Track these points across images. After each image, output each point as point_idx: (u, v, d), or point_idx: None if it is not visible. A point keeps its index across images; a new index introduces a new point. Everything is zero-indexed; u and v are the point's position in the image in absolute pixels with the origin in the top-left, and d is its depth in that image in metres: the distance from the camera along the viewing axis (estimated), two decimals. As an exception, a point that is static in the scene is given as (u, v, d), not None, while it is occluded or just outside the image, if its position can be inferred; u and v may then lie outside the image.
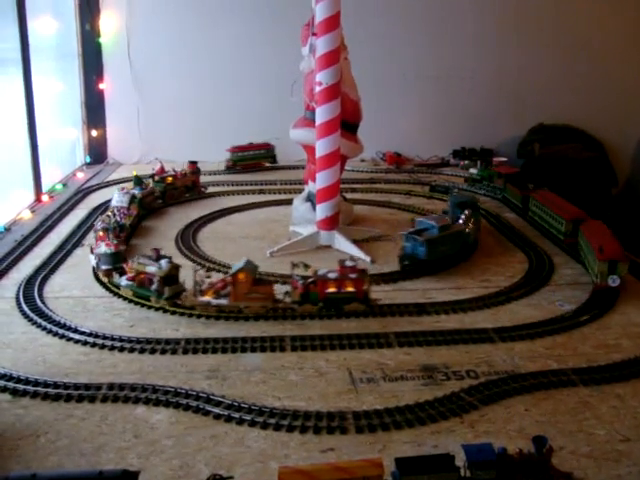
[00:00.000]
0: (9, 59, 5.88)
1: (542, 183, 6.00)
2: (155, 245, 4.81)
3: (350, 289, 3.78)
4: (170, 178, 6.16)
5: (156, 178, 6.10)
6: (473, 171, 6.75)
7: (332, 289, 3.77)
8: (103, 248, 4.18)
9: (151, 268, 3.83)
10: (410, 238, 4.38)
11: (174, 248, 4.84)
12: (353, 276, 3.78)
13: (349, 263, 3.82)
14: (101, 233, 4.51)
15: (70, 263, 4.55)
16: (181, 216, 5.63)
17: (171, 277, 3.83)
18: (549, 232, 5.08)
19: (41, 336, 3.47)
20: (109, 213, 5.08)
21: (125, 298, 3.92)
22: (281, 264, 4.50)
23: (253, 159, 7.49)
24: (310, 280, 3.78)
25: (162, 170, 6.25)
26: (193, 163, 6.36)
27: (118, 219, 4.94)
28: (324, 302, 3.76)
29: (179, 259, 4.62)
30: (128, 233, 5.00)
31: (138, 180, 5.90)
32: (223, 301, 3.75)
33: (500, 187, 6.29)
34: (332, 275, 3.80)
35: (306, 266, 3.85)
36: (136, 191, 5.68)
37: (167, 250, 4.74)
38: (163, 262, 3.83)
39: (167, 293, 3.77)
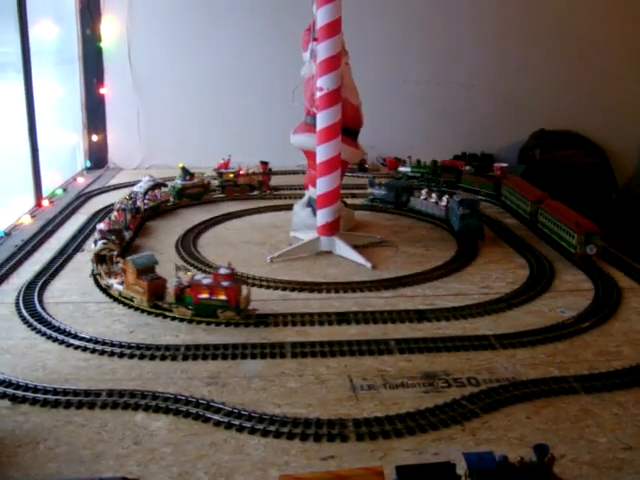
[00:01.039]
0: (10, 63, 5.88)
1: (543, 189, 5.99)
2: (153, 249, 4.83)
3: (222, 297, 3.71)
4: (231, 174, 6.36)
5: (216, 172, 6.40)
6: (404, 169, 6.97)
7: (205, 295, 3.72)
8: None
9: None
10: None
11: (174, 253, 4.83)
12: (225, 284, 3.71)
13: (223, 271, 3.74)
14: (116, 213, 4.95)
15: (70, 268, 4.54)
16: (182, 221, 5.62)
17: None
18: (517, 212, 5.81)
19: (41, 342, 3.46)
20: (126, 197, 5.48)
21: (125, 304, 3.91)
22: (282, 270, 4.51)
23: None
24: (186, 284, 3.76)
25: (226, 165, 6.46)
26: (265, 163, 6.51)
27: (138, 203, 5.45)
28: (196, 307, 3.73)
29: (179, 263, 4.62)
30: (143, 216, 5.53)
31: (185, 171, 6.24)
32: (120, 287, 3.94)
33: (452, 180, 6.61)
34: (206, 281, 3.75)
35: (187, 270, 3.93)
36: (178, 181, 6.16)
37: (167, 255, 4.77)
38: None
39: None
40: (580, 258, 4.55)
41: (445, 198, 5.57)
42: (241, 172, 6.43)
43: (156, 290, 3.85)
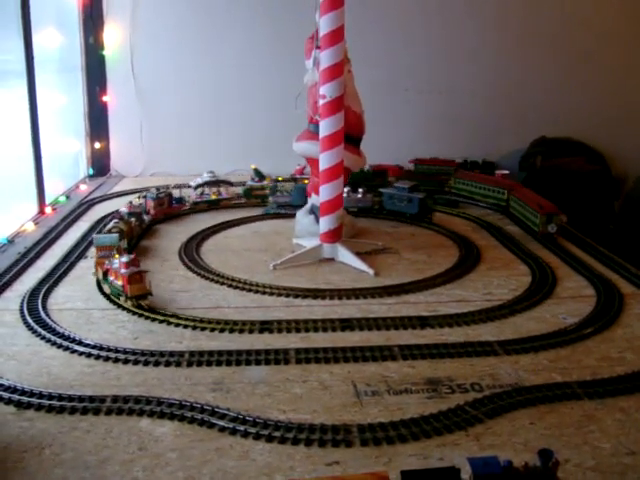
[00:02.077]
0: (13, 71, 5.90)
1: (544, 196, 6.02)
2: (157, 257, 4.86)
3: (120, 282, 4.00)
4: (306, 181, 6.40)
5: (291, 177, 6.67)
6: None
7: (113, 277, 4.07)
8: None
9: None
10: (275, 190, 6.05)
11: (177, 260, 4.84)
12: (123, 271, 3.95)
13: (124, 259, 3.98)
14: (152, 203, 5.68)
15: (74, 275, 4.55)
16: (184, 228, 5.63)
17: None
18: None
19: (45, 348, 3.46)
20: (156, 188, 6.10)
21: (129, 310, 3.92)
22: (285, 277, 4.52)
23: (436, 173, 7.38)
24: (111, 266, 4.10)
25: (301, 171, 6.71)
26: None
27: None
28: (111, 288, 4.12)
29: (182, 271, 4.64)
30: (193, 208, 6.18)
31: (258, 173, 6.58)
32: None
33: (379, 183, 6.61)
34: (115, 266, 4.06)
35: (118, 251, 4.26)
36: (250, 182, 6.51)
37: (170, 262, 4.79)
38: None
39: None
40: (543, 235, 5.29)
41: (362, 190, 6.13)
42: None
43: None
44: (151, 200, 5.82)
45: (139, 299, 3.98)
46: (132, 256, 4.01)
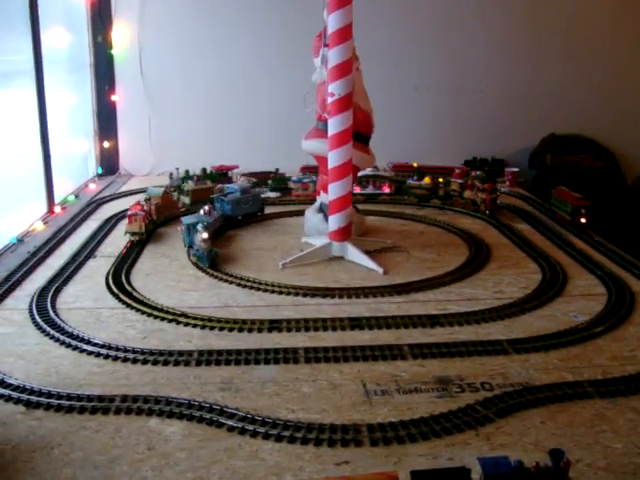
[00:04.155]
0: (22, 71, 5.91)
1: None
2: (165, 254, 4.86)
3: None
4: (456, 185, 6.31)
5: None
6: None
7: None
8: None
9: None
10: (219, 199, 5.68)
11: (187, 260, 4.84)
12: (129, 212, 5.18)
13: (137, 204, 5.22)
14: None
15: (83, 274, 4.55)
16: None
17: None
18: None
19: (54, 347, 3.46)
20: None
21: (138, 310, 3.92)
22: (294, 275, 4.51)
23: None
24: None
25: (460, 175, 6.45)
26: (491, 183, 6.19)
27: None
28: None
29: (192, 270, 4.63)
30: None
31: (418, 172, 6.59)
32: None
33: None
34: (130, 212, 5.19)
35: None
36: (410, 180, 6.51)
37: (180, 261, 4.78)
38: None
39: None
40: (571, 223, 5.61)
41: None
42: (469, 186, 6.20)
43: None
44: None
45: (133, 235, 5.11)
46: (142, 203, 5.26)
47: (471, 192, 6.13)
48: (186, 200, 6.05)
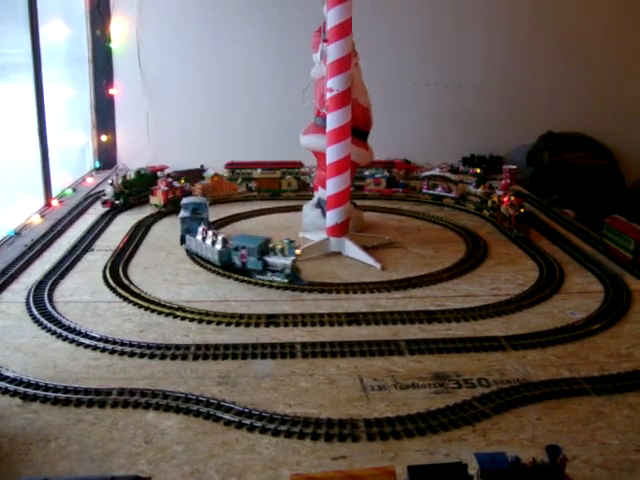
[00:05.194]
0: (21, 64, 5.90)
1: (552, 191, 5.99)
2: (165, 250, 4.86)
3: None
4: (496, 197, 5.73)
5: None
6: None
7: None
8: None
9: None
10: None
11: (184, 254, 4.84)
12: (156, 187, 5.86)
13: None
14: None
15: (80, 268, 4.55)
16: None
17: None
18: None
19: (51, 341, 3.46)
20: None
21: (135, 303, 3.92)
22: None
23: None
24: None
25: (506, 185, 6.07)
26: (519, 197, 5.52)
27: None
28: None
29: (189, 264, 4.63)
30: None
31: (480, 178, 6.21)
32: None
33: None
34: (176, 184, 5.97)
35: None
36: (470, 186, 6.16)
37: (177, 255, 4.78)
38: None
39: None
40: (633, 264, 4.56)
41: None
42: (505, 200, 5.49)
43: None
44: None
45: (156, 207, 5.86)
46: (170, 181, 5.96)
47: (505, 207, 5.45)
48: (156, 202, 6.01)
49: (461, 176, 6.60)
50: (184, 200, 5.08)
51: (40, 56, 6.04)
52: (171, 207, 5.81)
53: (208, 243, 4.55)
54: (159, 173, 6.50)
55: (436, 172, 6.50)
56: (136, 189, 6.22)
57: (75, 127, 7.53)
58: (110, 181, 6.17)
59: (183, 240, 4.91)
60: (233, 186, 6.70)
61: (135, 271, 4.50)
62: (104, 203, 5.99)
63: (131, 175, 6.35)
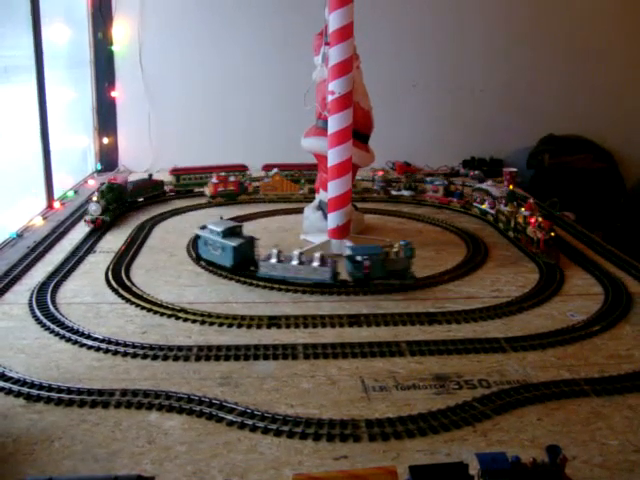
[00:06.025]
0: (23, 67, 5.92)
1: (552, 193, 6.00)
2: (167, 252, 4.87)
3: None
4: (521, 218, 5.14)
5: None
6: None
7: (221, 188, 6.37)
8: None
9: None
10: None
11: (186, 255, 4.86)
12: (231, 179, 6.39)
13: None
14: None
15: (82, 270, 4.57)
16: (192, 224, 5.63)
17: None
18: None
19: (54, 342, 3.48)
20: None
21: (137, 305, 3.94)
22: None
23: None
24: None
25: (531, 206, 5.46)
26: (548, 219, 5.00)
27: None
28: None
29: (191, 266, 4.65)
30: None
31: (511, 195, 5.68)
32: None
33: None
34: (232, 178, 6.45)
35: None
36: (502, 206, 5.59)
37: (178, 257, 4.80)
38: None
39: None
40: None
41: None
42: (532, 221, 4.92)
43: None
44: None
45: (213, 198, 6.38)
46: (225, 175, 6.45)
47: (532, 229, 4.90)
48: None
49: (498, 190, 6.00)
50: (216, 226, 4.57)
51: (42, 58, 6.07)
52: (220, 199, 6.39)
53: (315, 265, 4.29)
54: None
55: (483, 186, 6.09)
56: (116, 205, 5.82)
57: (77, 129, 7.56)
58: (94, 198, 5.62)
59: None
60: (295, 187, 6.64)
61: (137, 273, 4.52)
62: (93, 222, 5.39)
63: (103, 190, 5.77)
